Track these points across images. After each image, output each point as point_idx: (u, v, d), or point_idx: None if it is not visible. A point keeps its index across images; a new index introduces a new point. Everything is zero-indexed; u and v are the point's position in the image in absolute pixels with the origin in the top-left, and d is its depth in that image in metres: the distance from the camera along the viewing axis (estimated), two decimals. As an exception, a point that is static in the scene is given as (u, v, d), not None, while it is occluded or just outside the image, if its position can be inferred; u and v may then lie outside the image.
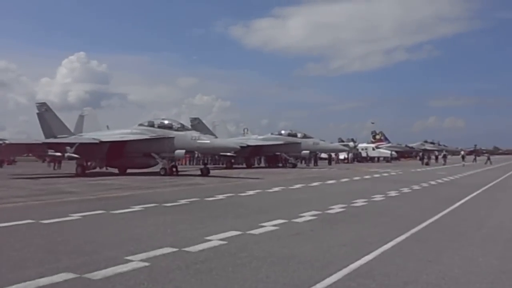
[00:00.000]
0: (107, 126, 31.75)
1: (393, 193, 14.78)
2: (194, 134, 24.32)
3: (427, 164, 46.90)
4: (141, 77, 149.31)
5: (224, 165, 37.88)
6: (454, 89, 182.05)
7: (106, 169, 27.47)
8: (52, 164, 33.77)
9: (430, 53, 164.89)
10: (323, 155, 48.62)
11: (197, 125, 40.56)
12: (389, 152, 60.72)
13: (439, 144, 74.61)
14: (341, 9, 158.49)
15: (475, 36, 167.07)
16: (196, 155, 40.43)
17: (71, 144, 24.42)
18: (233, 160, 37.48)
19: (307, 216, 9.58)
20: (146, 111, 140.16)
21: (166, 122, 25.31)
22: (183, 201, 11.94)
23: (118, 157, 25.74)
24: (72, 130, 31.16)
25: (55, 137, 29.36)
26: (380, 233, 7.74)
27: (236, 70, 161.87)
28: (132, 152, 25.68)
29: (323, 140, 39.84)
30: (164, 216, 9.53)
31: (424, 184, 18.88)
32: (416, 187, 17.50)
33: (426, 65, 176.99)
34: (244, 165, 38.68)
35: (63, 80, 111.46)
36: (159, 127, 25.03)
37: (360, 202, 12.16)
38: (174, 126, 24.68)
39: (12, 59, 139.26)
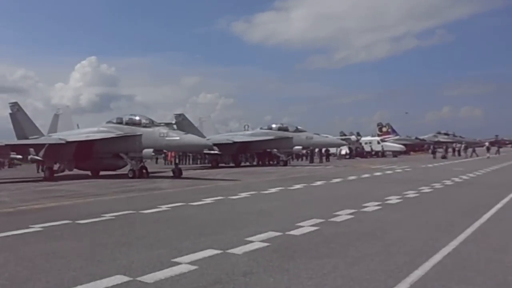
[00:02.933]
0: (77, 125, 31.60)
1: (393, 200, 11.82)
2: (162, 130, 22.90)
3: (444, 157, 45.04)
4: (147, 78, 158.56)
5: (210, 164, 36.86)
6: (469, 76, 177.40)
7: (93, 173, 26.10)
8: (38, 167, 33.18)
9: (442, 38, 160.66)
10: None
11: (182, 121, 40.11)
12: (398, 145, 57.73)
13: (454, 135, 71.43)
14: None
15: (494, 16, 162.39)
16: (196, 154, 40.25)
17: (34, 146, 24.42)
18: (222, 158, 36.40)
19: (256, 242, 6.84)
20: (152, 111, 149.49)
21: (134, 118, 24.11)
22: (108, 216, 9.80)
23: (86, 158, 24.95)
24: (48, 130, 31.28)
25: (27, 138, 29.32)
26: (357, 282, 4.80)
27: (238, 66, 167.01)
28: (99, 153, 24.79)
29: (318, 134, 37.21)
30: (53, 243, 7.20)
31: (437, 185, 15.91)
32: (425, 189, 14.52)
33: (438, 51, 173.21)
34: (233, 164, 37.09)
35: (75, 84, 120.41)
36: (126, 123, 23.97)
37: (344, 215, 9.28)
38: (142, 123, 23.33)
39: (30, 65, 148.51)
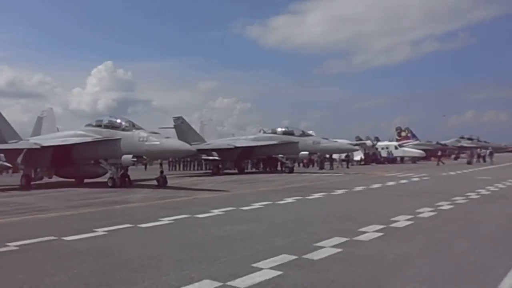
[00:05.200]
0: (57, 128, 29.99)
1: (401, 221, 9.18)
2: (142, 134, 20.76)
3: (469, 163, 43.36)
4: (164, 83, 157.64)
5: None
6: (493, 79, 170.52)
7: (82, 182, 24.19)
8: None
9: (465, 41, 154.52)
10: (336, 156, 42.85)
11: (181, 124, 38.26)
12: (417, 151, 54.36)
13: (478, 140, 67.54)
14: (363, 0, 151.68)
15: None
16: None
17: (5, 151, 23.44)
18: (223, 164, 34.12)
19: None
20: (169, 116, 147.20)
21: (114, 120, 22.11)
22: (12, 245, 7.47)
23: (65, 164, 23.24)
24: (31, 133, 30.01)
25: (6, 143, 27.67)
26: None
27: (255, 71, 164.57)
28: (78, 159, 23.03)
29: (326, 138, 34.42)
30: None
31: (459, 199, 13.14)
32: (445, 205, 11.79)
33: (461, 54, 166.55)
34: (235, 170, 34.81)
35: (92, 90, 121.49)
36: (105, 127, 21.97)
37: (328, 248, 6.78)
38: (122, 126, 21.33)
39: (47, 70, 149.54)
